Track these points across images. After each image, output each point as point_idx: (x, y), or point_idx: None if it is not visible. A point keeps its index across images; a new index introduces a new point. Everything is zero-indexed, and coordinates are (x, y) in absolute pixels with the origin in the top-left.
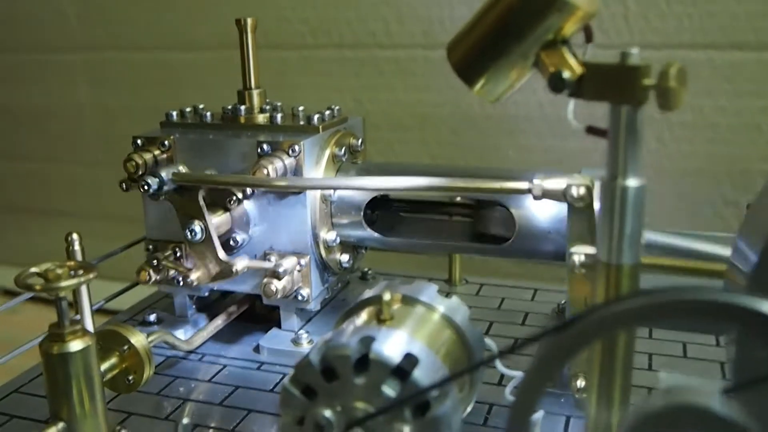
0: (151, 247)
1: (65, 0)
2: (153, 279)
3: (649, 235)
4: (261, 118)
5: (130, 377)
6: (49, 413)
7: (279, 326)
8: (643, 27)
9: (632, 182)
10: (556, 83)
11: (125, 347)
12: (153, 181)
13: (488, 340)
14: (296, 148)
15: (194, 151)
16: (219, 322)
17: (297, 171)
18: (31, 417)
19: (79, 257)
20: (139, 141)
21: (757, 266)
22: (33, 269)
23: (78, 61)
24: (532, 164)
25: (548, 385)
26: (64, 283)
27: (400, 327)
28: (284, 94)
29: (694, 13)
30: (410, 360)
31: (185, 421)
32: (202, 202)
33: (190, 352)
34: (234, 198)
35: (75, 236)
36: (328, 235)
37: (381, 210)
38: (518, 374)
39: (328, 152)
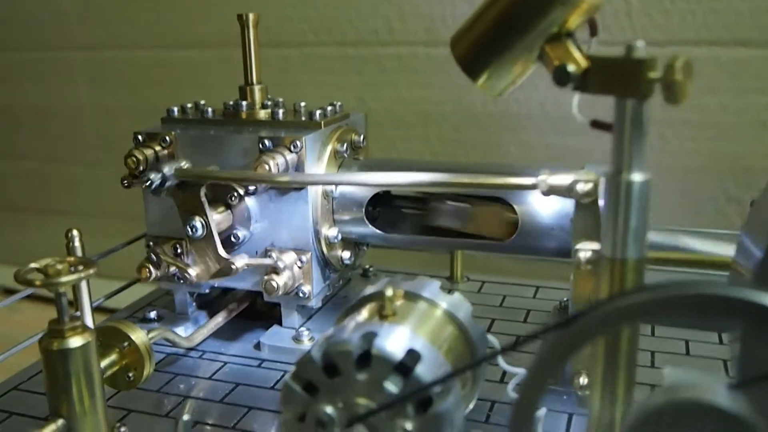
0: (151, 243)
1: None
2: (153, 276)
3: (652, 236)
4: (262, 114)
5: (130, 374)
6: (48, 410)
7: (280, 323)
8: (646, 24)
9: (637, 176)
10: (561, 76)
11: (125, 344)
12: (156, 177)
13: (491, 337)
14: (298, 143)
15: (195, 146)
16: (219, 319)
17: (299, 167)
18: (30, 414)
19: (79, 254)
20: (140, 137)
21: (762, 262)
22: (33, 265)
23: (78, 60)
24: (534, 161)
25: (551, 383)
26: (64, 279)
27: (402, 323)
28: (286, 92)
29: (698, 10)
30: (413, 356)
31: (185, 418)
32: (203, 198)
33: (191, 349)
34: (235, 194)
35: (75, 233)
36: (330, 232)
37: (383, 207)
38: (521, 371)
39: (329, 148)
